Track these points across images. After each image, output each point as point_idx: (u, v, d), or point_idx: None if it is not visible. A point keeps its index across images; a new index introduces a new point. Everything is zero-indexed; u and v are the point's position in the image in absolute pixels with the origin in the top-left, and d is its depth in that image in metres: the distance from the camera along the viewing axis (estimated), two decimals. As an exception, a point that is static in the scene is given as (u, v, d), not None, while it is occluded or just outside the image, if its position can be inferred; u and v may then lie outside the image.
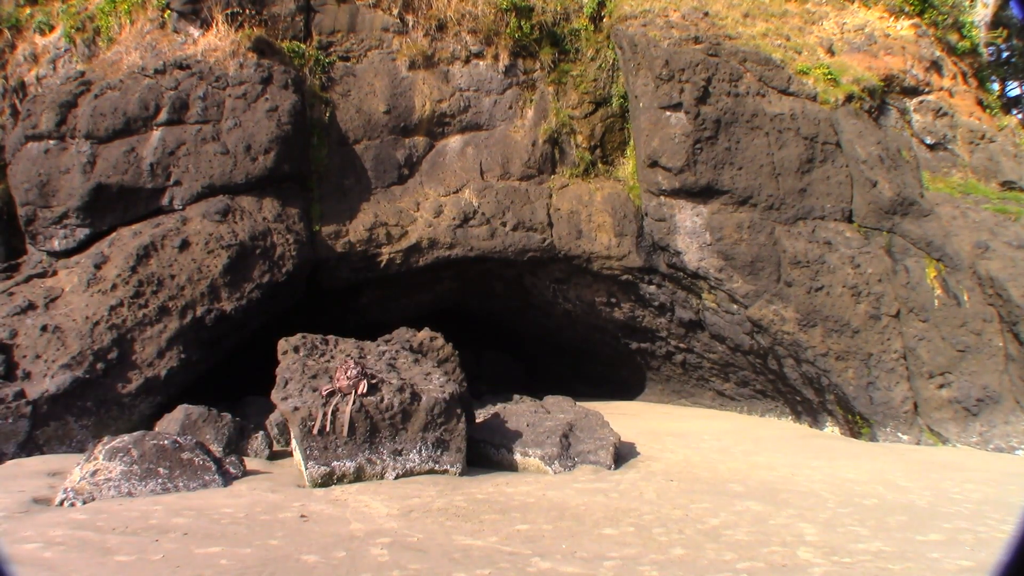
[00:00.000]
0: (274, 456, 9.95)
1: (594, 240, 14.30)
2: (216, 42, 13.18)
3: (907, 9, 16.53)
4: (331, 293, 14.31)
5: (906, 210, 13.23)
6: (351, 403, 8.45)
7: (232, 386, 12.81)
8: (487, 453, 9.56)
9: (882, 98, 14.57)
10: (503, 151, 14.63)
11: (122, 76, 12.79)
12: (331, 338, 10.27)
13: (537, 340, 18.50)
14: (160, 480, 7.67)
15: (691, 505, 7.69)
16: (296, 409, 8.42)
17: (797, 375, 13.37)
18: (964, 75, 16.50)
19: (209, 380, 12.12)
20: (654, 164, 13.61)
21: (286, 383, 9.05)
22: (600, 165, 15.04)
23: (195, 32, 13.46)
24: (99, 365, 10.34)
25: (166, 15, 13.72)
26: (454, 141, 14.65)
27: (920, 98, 14.96)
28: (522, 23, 14.83)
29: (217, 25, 13.34)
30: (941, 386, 12.13)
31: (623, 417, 13.27)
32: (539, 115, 14.89)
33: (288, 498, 7.50)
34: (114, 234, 12.06)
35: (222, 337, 11.85)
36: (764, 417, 14.93)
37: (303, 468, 8.27)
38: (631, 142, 14.82)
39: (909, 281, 12.74)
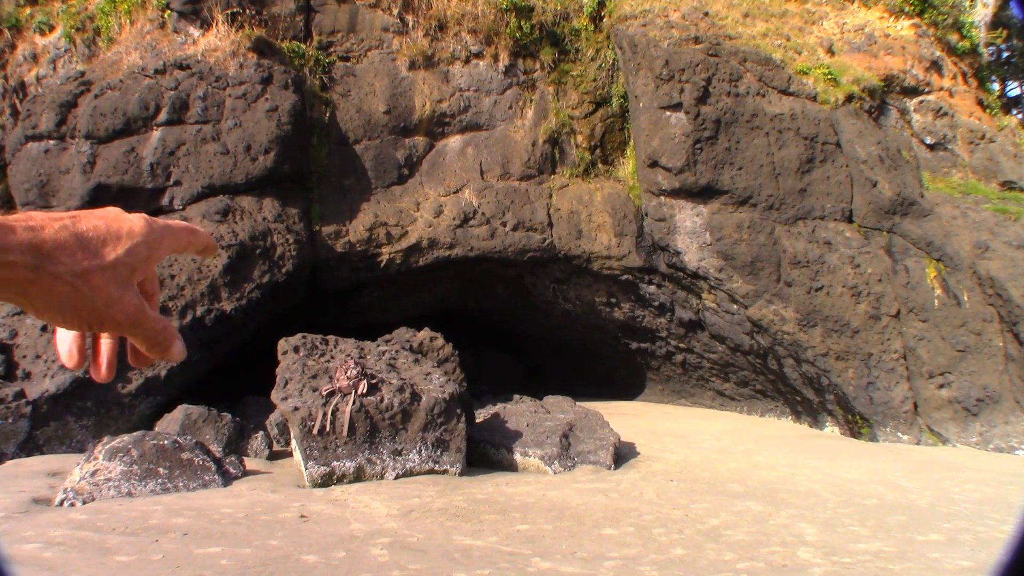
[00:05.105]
0: (274, 456, 9.95)
1: (594, 240, 14.29)
2: (216, 42, 13.18)
3: (907, 9, 16.53)
4: (331, 293, 14.30)
5: (906, 210, 13.23)
6: (351, 403, 8.45)
7: (232, 386, 12.80)
8: (487, 453, 9.56)
9: (882, 98, 14.57)
10: (503, 151, 14.62)
11: (122, 76, 12.79)
12: (331, 338, 10.26)
13: (537, 340, 18.49)
14: (160, 480, 7.67)
15: (691, 505, 7.69)
16: (296, 409, 8.41)
17: (797, 375, 13.37)
18: (964, 75, 16.49)
19: (209, 380, 12.11)
20: (654, 164, 13.61)
21: (286, 383, 9.05)
22: (600, 165, 15.03)
23: (195, 32, 13.46)
24: (99, 365, 10.32)
25: (166, 15, 13.72)
26: (454, 141, 14.64)
27: (920, 98, 14.96)
28: (522, 23, 14.82)
29: (217, 25, 13.34)
30: (941, 386, 12.13)
31: (623, 417, 13.27)
32: (539, 115, 14.88)
33: (288, 498, 7.50)
34: (114, 234, 12.04)
35: (222, 337, 11.84)
36: (764, 417, 14.93)
37: (303, 468, 8.27)
38: (631, 142, 14.81)
39: (909, 281, 12.74)
